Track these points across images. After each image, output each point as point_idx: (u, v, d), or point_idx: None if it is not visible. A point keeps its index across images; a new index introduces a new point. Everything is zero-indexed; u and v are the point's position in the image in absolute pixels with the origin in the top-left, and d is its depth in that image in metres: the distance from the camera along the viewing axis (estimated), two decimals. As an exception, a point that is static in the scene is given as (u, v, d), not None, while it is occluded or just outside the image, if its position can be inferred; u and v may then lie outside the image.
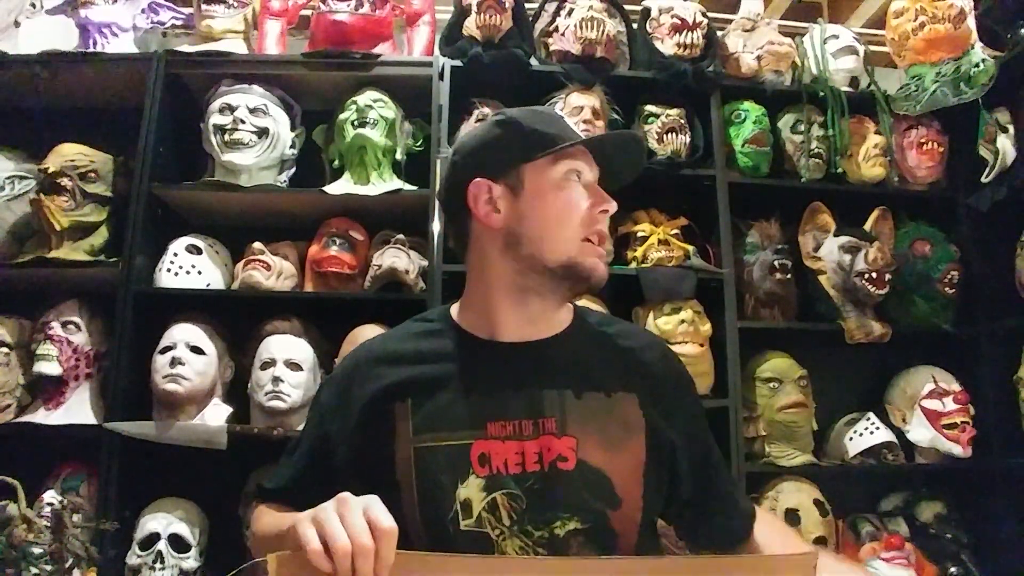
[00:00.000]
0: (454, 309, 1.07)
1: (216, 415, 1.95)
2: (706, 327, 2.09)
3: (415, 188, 2.15)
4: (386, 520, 0.73)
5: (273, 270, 2.05)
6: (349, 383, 1.01)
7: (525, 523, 0.90)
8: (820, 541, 1.96)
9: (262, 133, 2.12)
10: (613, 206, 0.99)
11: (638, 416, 0.97)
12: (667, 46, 2.25)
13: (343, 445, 0.98)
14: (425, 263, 2.07)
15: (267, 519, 0.98)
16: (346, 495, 0.76)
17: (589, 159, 1.01)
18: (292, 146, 2.21)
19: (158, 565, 1.80)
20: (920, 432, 2.17)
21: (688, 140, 2.23)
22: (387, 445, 0.94)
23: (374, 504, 0.75)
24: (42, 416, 1.94)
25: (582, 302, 2.02)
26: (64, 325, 1.99)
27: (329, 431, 1.01)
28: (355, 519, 0.72)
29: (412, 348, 1.02)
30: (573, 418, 0.94)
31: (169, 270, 2.03)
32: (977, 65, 2.20)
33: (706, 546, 1.09)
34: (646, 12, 2.34)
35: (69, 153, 2.06)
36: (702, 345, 2.07)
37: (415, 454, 0.93)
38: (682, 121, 2.23)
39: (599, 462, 0.93)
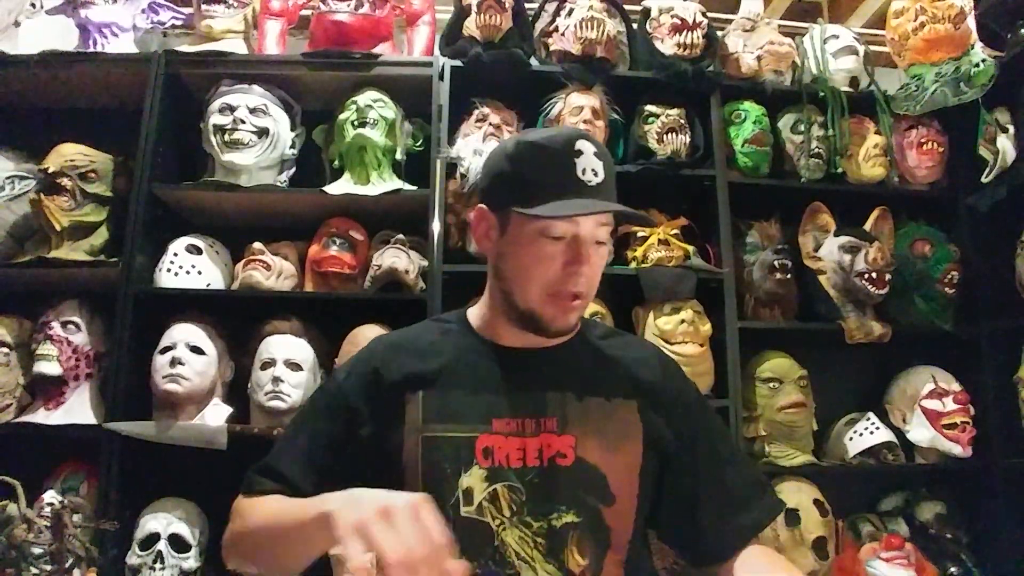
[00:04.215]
0: (471, 312, 1.11)
1: (216, 415, 1.95)
2: (706, 327, 2.09)
3: (415, 188, 2.14)
4: (438, 534, 0.71)
5: (273, 270, 2.06)
6: (376, 367, 1.03)
7: (524, 514, 0.94)
8: (820, 541, 1.97)
9: (262, 133, 2.11)
10: (587, 268, 0.96)
11: (636, 422, 1.01)
12: (667, 46, 2.25)
13: (364, 426, 1.00)
14: (425, 263, 2.07)
15: (270, 507, 0.96)
16: (388, 504, 0.72)
17: None
18: (292, 146, 2.21)
19: (158, 565, 1.80)
20: (920, 432, 2.17)
21: (688, 140, 2.23)
22: (396, 431, 0.98)
23: (424, 512, 0.73)
24: (42, 416, 1.94)
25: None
26: (64, 325, 1.99)
27: (352, 412, 1.01)
28: (407, 531, 0.70)
29: (429, 345, 1.06)
30: (573, 418, 0.99)
31: (169, 270, 2.03)
32: (977, 65, 2.19)
33: (681, 552, 1.09)
34: (646, 12, 2.34)
35: (69, 153, 2.06)
36: (702, 345, 2.07)
37: (423, 442, 0.97)
38: (682, 121, 2.22)
39: (596, 460, 0.97)
